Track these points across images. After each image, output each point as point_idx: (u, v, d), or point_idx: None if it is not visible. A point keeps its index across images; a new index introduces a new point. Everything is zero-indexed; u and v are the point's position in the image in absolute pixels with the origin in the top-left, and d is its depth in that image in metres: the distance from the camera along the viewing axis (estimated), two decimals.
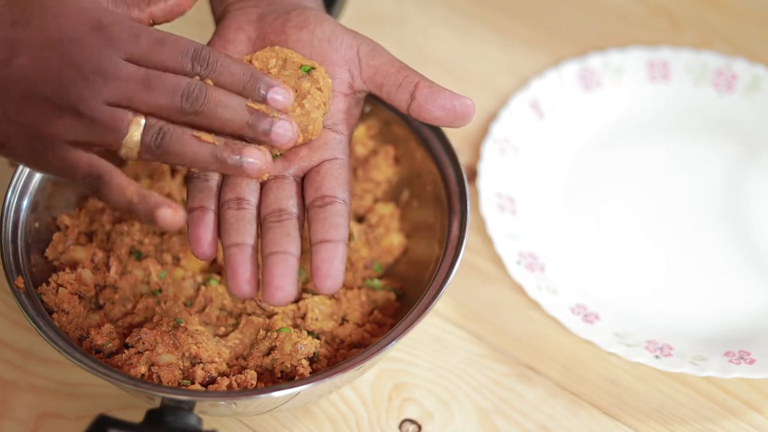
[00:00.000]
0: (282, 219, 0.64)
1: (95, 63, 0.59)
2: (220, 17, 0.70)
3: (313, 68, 0.66)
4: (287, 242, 0.62)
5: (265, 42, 0.68)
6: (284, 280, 0.61)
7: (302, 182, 0.66)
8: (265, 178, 0.64)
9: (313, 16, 0.68)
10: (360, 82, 0.67)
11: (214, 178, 0.65)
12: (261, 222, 0.64)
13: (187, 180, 0.66)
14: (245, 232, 0.63)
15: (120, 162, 0.70)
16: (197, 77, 0.62)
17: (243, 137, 0.63)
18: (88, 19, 0.60)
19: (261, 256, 0.63)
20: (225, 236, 0.63)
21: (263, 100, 0.63)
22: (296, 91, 0.66)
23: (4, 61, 0.59)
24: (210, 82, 0.62)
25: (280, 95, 0.63)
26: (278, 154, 0.66)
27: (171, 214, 0.60)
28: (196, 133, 0.61)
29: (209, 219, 0.63)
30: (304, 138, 0.66)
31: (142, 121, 0.60)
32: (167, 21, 0.65)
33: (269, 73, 0.66)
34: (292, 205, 0.65)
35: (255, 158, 0.62)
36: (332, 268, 0.62)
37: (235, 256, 0.62)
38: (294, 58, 0.67)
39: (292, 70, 0.66)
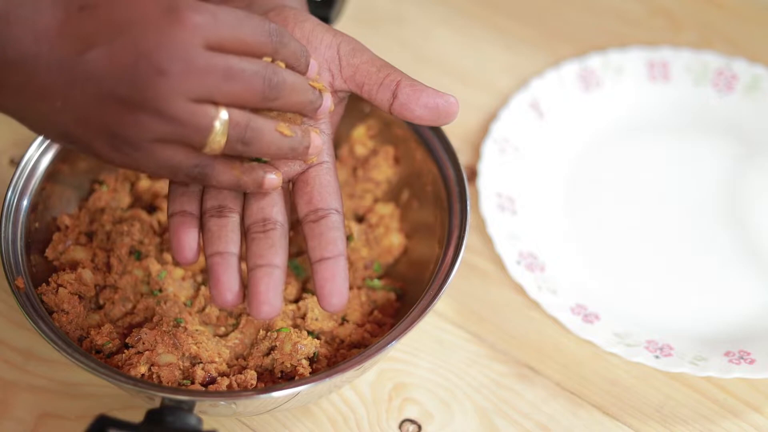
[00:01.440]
0: (266, 229, 0.63)
1: (171, 54, 0.55)
2: None
3: None
4: (272, 254, 0.62)
5: None
6: (270, 295, 0.60)
7: (291, 189, 0.66)
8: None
9: (292, 16, 0.66)
10: (341, 82, 0.66)
11: (195, 185, 0.64)
12: (245, 231, 0.63)
13: (169, 183, 0.65)
14: (228, 240, 0.62)
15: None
16: (269, 59, 0.60)
17: (300, 113, 0.63)
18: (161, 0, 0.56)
19: (246, 268, 0.62)
20: (207, 245, 0.62)
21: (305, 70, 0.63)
22: None
23: (76, 54, 0.55)
24: (282, 64, 0.60)
25: (314, 66, 0.64)
26: (264, 160, 0.65)
27: (275, 179, 0.62)
28: (278, 127, 0.60)
29: (191, 224, 0.63)
30: None
31: (224, 115, 0.57)
32: None
33: None
34: (276, 212, 0.64)
35: (317, 141, 0.63)
36: (335, 286, 0.61)
37: (218, 265, 0.61)
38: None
39: None
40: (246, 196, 0.65)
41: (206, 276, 0.73)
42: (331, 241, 0.62)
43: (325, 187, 0.65)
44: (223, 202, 0.63)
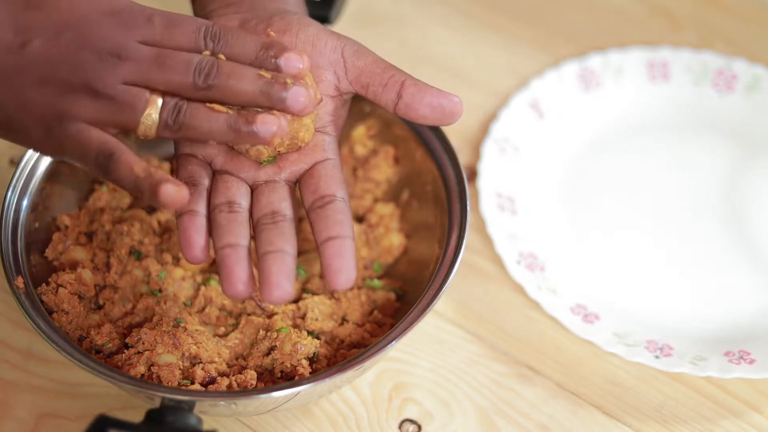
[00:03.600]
0: (276, 221, 0.63)
1: (110, 44, 0.60)
2: None
3: None
4: (282, 241, 0.62)
5: None
6: (281, 278, 0.60)
7: (298, 187, 0.66)
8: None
9: (296, 20, 0.67)
10: (346, 84, 0.67)
11: (204, 183, 0.65)
12: (254, 225, 0.64)
13: None
14: (238, 234, 0.62)
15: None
16: (209, 53, 0.62)
17: (260, 107, 0.62)
18: (103, 3, 0.61)
19: (256, 257, 0.62)
20: (218, 238, 0.62)
21: (277, 68, 0.63)
22: None
23: (20, 45, 0.60)
24: (222, 56, 0.62)
25: (293, 60, 0.63)
26: (269, 160, 0.66)
27: (174, 190, 0.58)
28: (210, 105, 0.61)
29: (200, 223, 0.63)
30: (295, 145, 0.65)
31: (159, 100, 0.60)
32: None
33: None
34: (285, 207, 0.64)
35: (269, 123, 0.61)
36: (343, 263, 0.61)
37: (229, 257, 0.61)
38: None
39: None
40: (254, 192, 0.65)
41: (206, 276, 0.73)
42: (338, 223, 0.63)
43: (332, 178, 0.65)
44: (233, 198, 0.64)
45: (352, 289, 0.74)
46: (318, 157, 0.66)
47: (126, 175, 0.59)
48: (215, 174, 0.66)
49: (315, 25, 0.68)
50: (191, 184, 0.64)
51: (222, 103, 0.62)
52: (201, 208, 0.64)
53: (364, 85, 0.67)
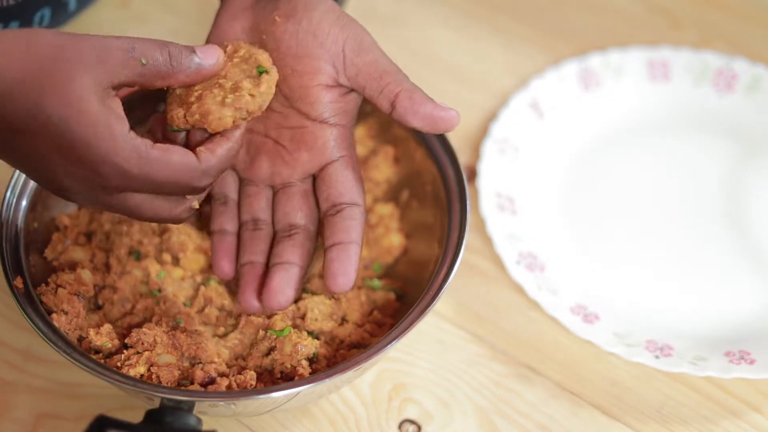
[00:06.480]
0: (291, 234, 0.68)
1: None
2: (220, 5, 0.69)
3: (266, 72, 0.65)
4: (291, 253, 0.67)
5: (257, 32, 0.67)
6: (282, 284, 0.65)
7: (313, 186, 0.69)
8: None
9: (302, 4, 0.66)
10: (344, 78, 0.66)
11: (233, 199, 0.70)
12: (274, 236, 0.69)
13: (211, 201, 0.71)
14: (258, 251, 0.68)
15: None
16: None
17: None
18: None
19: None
20: (241, 255, 0.69)
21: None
22: (233, 84, 0.64)
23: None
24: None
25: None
26: (179, 129, 0.65)
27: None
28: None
29: (229, 242, 0.69)
30: (203, 122, 0.63)
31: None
32: None
33: (233, 58, 0.65)
34: (300, 218, 0.68)
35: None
36: (342, 267, 0.64)
37: (247, 274, 0.68)
38: (259, 56, 0.65)
39: (248, 65, 0.65)
40: (273, 203, 0.69)
41: (206, 276, 0.73)
42: (344, 229, 0.66)
43: (341, 183, 0.67)
44: (256, 215, 0.69)
45: (352, 288, 0.74)
46: (326, 158, 0.67)
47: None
48: (241, 182, 0.70)
49: (320, 9, 0.66)
50: (222, 202, 0.70)
51: None
52: (229, 225, 0.70)
53: (361, 86, 0.66)
